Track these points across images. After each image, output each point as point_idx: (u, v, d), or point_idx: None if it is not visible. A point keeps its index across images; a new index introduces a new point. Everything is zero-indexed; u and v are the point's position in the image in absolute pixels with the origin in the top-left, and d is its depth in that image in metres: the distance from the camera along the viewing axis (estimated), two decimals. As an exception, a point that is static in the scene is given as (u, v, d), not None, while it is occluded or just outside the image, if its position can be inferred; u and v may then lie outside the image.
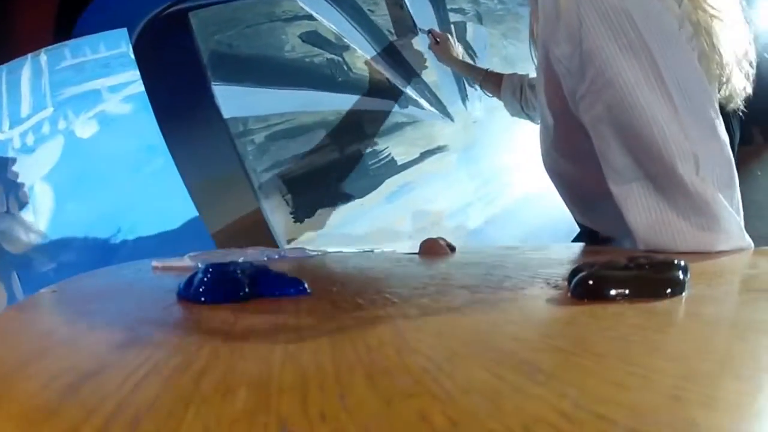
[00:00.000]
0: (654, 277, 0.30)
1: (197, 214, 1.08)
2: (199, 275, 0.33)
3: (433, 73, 1.48)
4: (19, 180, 0.99)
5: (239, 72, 1.18)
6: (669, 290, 0.29)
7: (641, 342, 0.23)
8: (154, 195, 1.07)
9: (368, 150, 1.31)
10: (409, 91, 1.43)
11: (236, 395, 0.16)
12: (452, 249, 0.66)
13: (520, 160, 1.36)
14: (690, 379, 0.17)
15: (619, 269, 0.31)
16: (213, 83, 1.14)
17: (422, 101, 1.45)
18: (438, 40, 1.37)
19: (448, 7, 1.57)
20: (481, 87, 1.27)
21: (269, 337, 0.24)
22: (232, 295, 0.32)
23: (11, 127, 1.04)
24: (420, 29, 1.40)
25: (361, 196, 1.27)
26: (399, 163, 1.36)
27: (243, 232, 1.17)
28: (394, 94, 1.41)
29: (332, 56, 1.30)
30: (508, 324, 0.27)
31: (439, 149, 1.45)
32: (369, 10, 1.40)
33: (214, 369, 0.19)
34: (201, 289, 0.32)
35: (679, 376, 0.18)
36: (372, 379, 0.18)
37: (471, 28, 1.63)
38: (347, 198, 1.24)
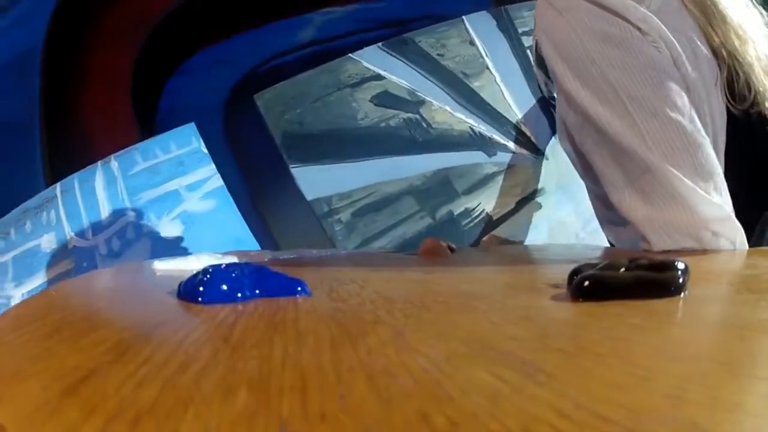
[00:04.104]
0: (654, 277, 0.30)
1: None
2: (199, 275, 0.33)
3: (518, 109, 1.32)
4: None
5: (315, 150, 1.13)
6: (669, 290, 0.29)
7: (641, 342, 0.23)
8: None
9: (460, 210, 1.21)
10: (495, 135, 1.28)
11: (236, 395, 0.16)
12: (452, 250, 0.66)
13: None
14: (690, 379, 0.17)
15: (619, 269, 0.31)
16: (291, 166, 1.11)
17: (510, 144, 1.29)
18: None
19: (520, 30, 1.38)
20: None
21: (269, 337, 0.24)
22: (232, 295, 0.32)
23: (94, 234, 1.06)
24: None
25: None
26: (495, 218, 1.23)
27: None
28: (480, 143, 1.26)
29: (408, 115, 1.21)
30: (508, 324, 0.27)
31: (537, 193, 1.29)
32: (438, 54, 1.28)
33: (214, 369, 0.19)
34: (201, 290, 0.32)
35: (679, 376, 0.18)
36: (372, 379, 0.18)
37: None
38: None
